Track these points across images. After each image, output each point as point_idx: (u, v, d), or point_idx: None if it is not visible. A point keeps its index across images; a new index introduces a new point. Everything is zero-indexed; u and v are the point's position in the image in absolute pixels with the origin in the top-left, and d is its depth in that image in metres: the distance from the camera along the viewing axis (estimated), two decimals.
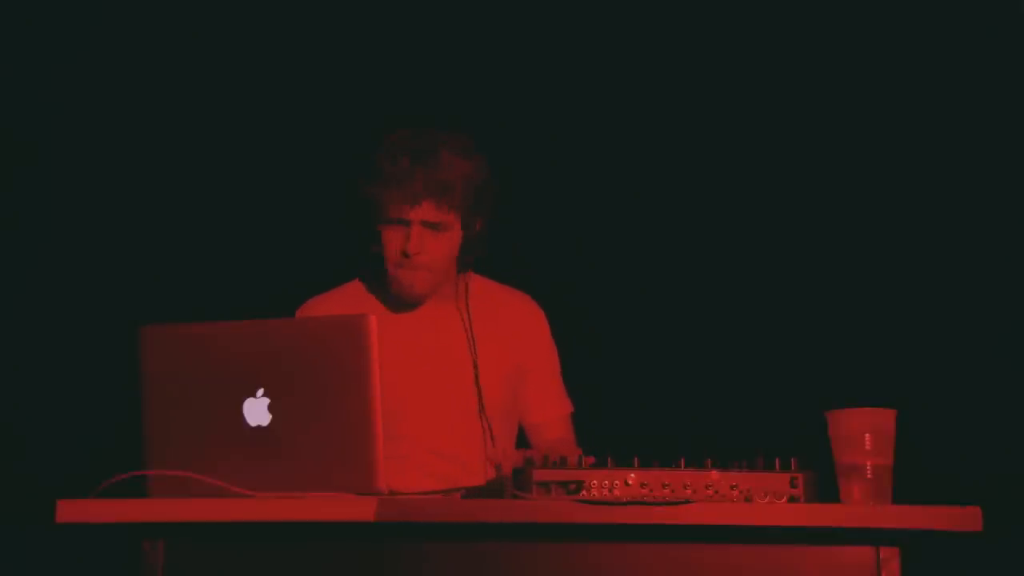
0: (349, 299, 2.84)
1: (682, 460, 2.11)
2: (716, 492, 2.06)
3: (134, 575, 2.08)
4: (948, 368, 3.42)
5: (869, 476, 2.11)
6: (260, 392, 2.11)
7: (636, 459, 2.10)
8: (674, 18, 3.59)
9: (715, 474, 2.07)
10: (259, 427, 2.11)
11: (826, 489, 2.11)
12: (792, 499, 2.06)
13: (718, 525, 2.03)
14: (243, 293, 3.44)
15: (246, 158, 3.59)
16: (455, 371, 2.78)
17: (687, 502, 2.05)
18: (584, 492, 2.05)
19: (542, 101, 3.59)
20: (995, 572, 3.20)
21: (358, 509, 2.02)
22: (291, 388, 2.10)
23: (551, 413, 2.88)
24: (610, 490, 2.05)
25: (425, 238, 2.70)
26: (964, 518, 2.02)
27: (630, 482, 2.05)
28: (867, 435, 2.13)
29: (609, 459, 2.08)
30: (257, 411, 2.11)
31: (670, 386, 3.48)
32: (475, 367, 2.77)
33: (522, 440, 2.88)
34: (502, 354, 2.82)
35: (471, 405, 2.76)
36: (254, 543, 2.09)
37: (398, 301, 2.80)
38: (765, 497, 2.06)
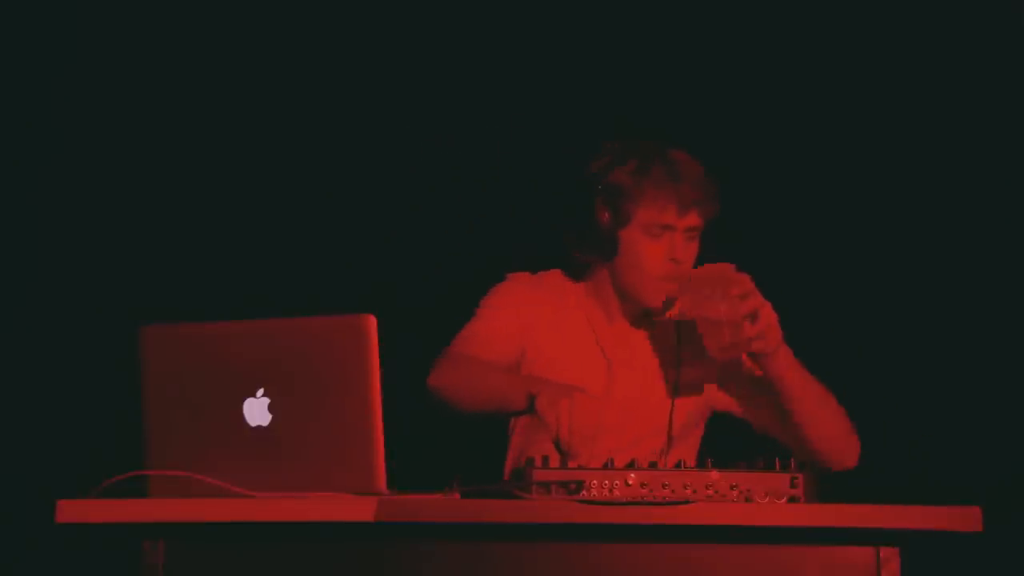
0: (555, 287, 2.83)
1: (682, 460, 2.12)
2: (716, 492, 2.06)
3: (134, 575, 2.08)
4: (948, 368, 3.42)
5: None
6: (260, 392, 2.11)
7: (636, 459, 2.10)
8: None
9: (715, 474, 2.07)
10: (259, 427, 2.11)
11: (826, 489, 2.11)
12: (792, 499, 2.06)
13: (718, 525, 2.03)
14: (243, 293, 3.44)
15: (246, 158, 3.59)
16: (651, 396, 2.77)
17: (687, 502, 2.05)
18: (584, 492, 2.05)
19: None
20: (995, 572, 3.20)
21: (358, 509, 2.02)
22: (291, 388, 2.10)
23: None
24: (610, 490, 2.05)
25: (688, 247, 2.71)
26: (964, 518, 2.02)
27: (630, 482, 2.05)
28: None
29: (610, 460, 2.09)
30: (257, 411, 2.11)
31: None
32: (676, 381, 2.74)
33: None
34: (708, 386, 2.79)
35: (661, 414, 2.73)
36: (254, 543, 2.09)
37: (625, 306, 2.79)
38: (765, 497, 2.06)
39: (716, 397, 2.81)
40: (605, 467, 2.07)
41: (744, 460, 2.11)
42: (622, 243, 2.72)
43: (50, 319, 3.53)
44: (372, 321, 2.10)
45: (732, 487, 2.07)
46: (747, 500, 2.06)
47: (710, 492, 2.06)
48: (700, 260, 2.73)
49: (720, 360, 2.62)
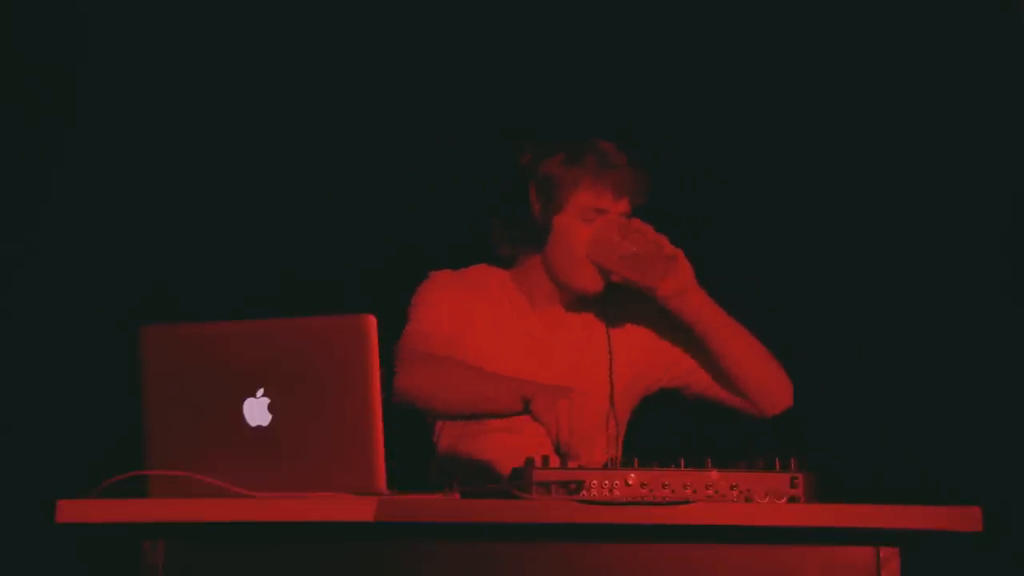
0: (478, 281, 2.86)
1: (682, 460, 2.12)
2: (716, 492, 2.06)
3: (134, 575, 2.08)
4: (948, 368, 3.42)
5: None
6: (260, 392, 2.11)
7: (636, 459, 2.10)
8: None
9: (715, 474, 2.07)
10: (259, 427, 2.11)
11: (826, 489, 2.11)
12: (792, 499, 2.06)
13: (718, 525, 2.03)
14: (243, 293, 3.44)
15: (246, 158, 3.59)
16: (589, 369, 2.79)
17: (687, 502, 2.05)
18: (584, 492, 2.05)
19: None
20: (995, 572, 3.20)
21: (358, 509, 2.02)
22: (291, 388, 2.10)
23: None
24: (610, 490, 2.05)
25: None
26: (964, 518, 2.02)
27: (630, 482, 2.05)
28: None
29: (610, 459, 2.09)
30: (257, 411, 2.11)
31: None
32: (610, 360, 2.78)
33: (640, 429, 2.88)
34: (640, 357, 2.83)
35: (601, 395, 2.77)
36: (254, 543, 2.09)
37: (559, 293, 2.82)
38: (765, 497, 2.06)
39: (648, 370, 2.83)
40: (605, 467, 2.07)
41: (744, 460, 2.11)
42: (555, 230, 2.76)
43: (50, 319, 3.53)
44: (372, 321, 2.10)
45: (732, 487, 2.07)
46: (747, 500, 2.06)
47: (710, 492, 2.06)
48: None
49: (644, 285, 2.68)
